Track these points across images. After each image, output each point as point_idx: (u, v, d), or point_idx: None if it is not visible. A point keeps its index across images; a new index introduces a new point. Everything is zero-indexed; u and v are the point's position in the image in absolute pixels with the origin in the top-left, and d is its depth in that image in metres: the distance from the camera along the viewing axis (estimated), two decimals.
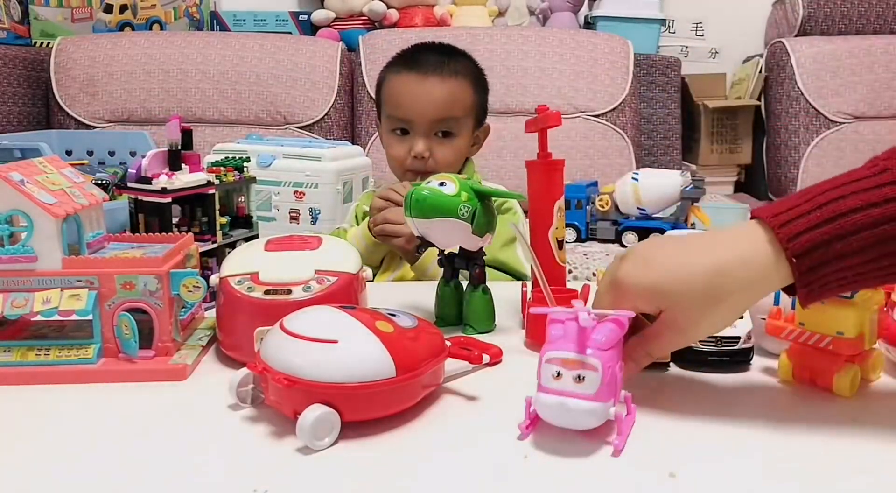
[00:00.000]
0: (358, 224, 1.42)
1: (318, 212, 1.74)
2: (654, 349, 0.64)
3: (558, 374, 0.56)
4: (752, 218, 0.61)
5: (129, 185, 0.89)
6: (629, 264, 0.62)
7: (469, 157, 1.42)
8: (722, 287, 0.59)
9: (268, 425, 0.61)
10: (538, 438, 0.59)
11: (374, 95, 1.49)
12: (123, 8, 2.84)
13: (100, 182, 1.70)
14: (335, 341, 0.59)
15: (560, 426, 0.57)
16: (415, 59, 1.37)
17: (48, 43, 2.73)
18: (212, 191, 0.91)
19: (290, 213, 1.77)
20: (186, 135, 0.92)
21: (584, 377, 0.56)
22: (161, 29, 2.87)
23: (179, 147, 0.91)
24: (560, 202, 0.84)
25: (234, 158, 1.00)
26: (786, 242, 0.58)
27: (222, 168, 0.95)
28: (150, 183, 0.87)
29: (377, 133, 2.66)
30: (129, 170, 0.90)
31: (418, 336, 0.64)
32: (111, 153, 2.05)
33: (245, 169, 1.00)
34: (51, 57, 2.60)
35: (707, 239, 0.64)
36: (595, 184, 2.15)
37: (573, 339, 0.57)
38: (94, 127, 2.56)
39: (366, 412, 0.59)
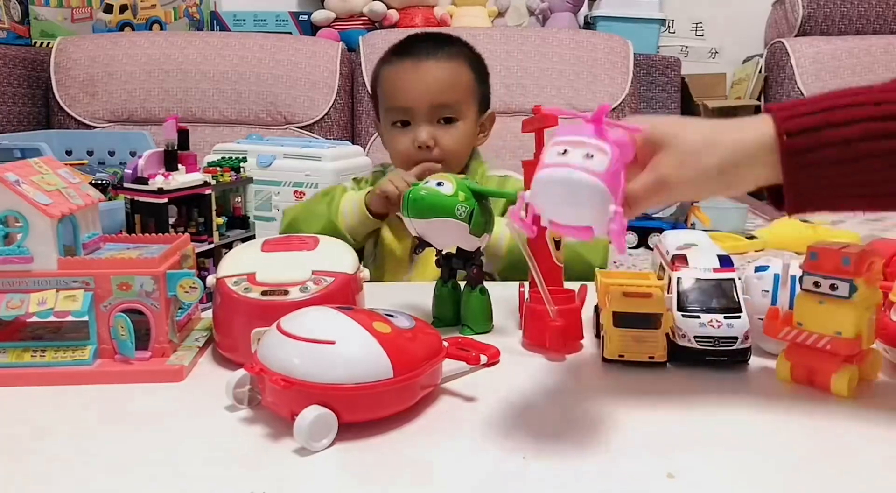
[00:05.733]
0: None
1: None
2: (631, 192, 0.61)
3: (565, 151, 0.54)
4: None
5: (126, 185, 0.89)
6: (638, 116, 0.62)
7: (475, 146, 1.34)
8: (713, 146, 0.59)
9: (265, 426, 0.61)
10: (537, 439, 0.58)
11: (371, 94, 1.43)
12: (123, 8, 2.84)
13: (99, 182, 1.70)
14: (332, 342, 0.59)
15: (557, 202, 0.55)
16: (407, 47, 1.30)
17: (48, 43, 2.74)
18: (208, 191, 0.91)
19: None
20: (183, 135, 0.92)
21: (593, 156, 0.53)
22: (161, 29, 2.87)
23: (176, 147, 0.90)
24: None
25: (230, 158, 1.00)
26: (781, 121, 0.59)
27: (219, 168, 0.95)
28: (147, 183, 0.87)
29: (377, 133, 2.68)
30: (126, 170, 0.89)
31: (416, 337, 0.64)
32: (111, 153, 2.05)
33: (242, 169, 1.00)
34: (51, 57, 2.60)
35: (712, 119, 0.64)
36: None
37: (585, 129, 0.55)
38: (94, 127, 2.56)
39: (363, 413, 0.59)
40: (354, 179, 1.36)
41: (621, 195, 0.56)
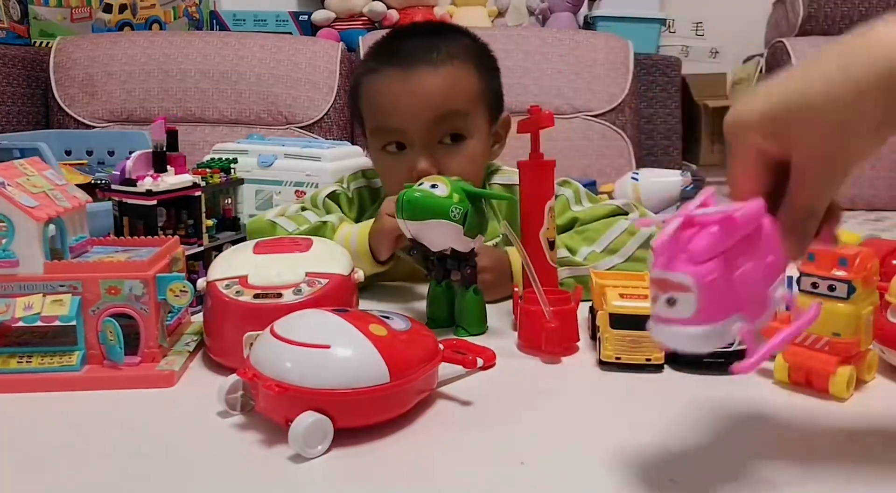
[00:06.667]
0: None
1: None
2: (805, 199, 0.50)
3: (655, 298, 0.48)
4: None
5: (114, 187, 0.88)
6: (742, 100, 0.50)
7: (492, 160, 1.15)
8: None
9: (258, 432, 0.60)
10: (535, 443, 0.58)
11: (350, 106, 1.16)
12: (123, 7, 2.83)
13: (99, 182, 1.69)
14: (327, 346, 0.58)
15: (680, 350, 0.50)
16: (395, 48, 1.06)
17: (47, 43, 2.73)
18: (198, 193, 0.90)
19: None
20: (172, 136, 0.91)
21: (675, 301, 0.47)
22: (160, 28, 2.86)
23: (164, 148, 0.89)
24: (551, 203, 0.84)
25: (220, 158, 0.99)
26: None
27: (208, 170, 0.94)
28: (135, 185, 0.86)
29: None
30: (114, 172, 0.88)
31: (412, 339, 0.63)
32: (111, 153, 2.04)
33: (232, 170, 0.99)
34: (50, 57, 2.59)
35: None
36: (593, 183, 2.13)
37: (665, 252, 0.47)
38: (94, 127, 2.56)
39: (359, 418, 0.58)
40: (338, 181, 1.20)
41: (751, 291, 0.48)
